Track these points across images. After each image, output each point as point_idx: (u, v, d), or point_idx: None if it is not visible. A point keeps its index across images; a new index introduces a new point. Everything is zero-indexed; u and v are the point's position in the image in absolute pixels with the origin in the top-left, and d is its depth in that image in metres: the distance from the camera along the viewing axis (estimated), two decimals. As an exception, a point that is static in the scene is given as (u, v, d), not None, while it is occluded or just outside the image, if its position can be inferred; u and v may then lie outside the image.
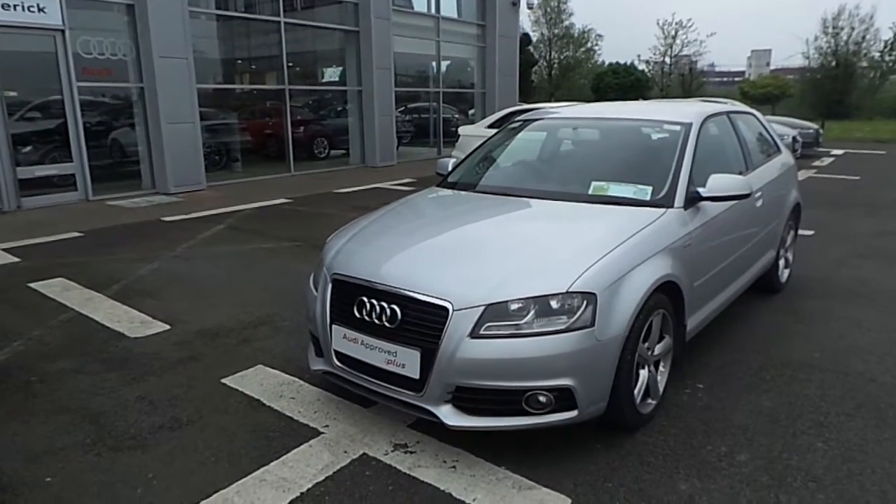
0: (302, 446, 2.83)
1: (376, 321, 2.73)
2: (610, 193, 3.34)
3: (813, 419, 3.02)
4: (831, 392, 3.29)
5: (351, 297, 2.86)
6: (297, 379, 3.50)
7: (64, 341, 4.09)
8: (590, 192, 3.38)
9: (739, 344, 3.93)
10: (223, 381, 3.49)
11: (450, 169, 4.23)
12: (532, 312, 2.53)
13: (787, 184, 4.79)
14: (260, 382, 3.47)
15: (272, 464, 2.70)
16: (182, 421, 3.07)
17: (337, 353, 2.92)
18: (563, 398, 2.55)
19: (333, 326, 2.92)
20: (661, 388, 3.05)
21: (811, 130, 15.51)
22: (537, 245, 2.90)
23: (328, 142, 14.25)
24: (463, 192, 3.81)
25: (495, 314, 2.54)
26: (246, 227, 7.69)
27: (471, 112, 17.56)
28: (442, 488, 2.52)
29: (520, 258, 2.77)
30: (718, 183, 3.27)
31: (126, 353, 3.89)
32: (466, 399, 2.60)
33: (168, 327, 4.30)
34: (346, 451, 2.78)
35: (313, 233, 7.21)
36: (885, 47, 35.87)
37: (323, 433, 2.94)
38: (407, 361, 2.64)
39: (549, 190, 3.52)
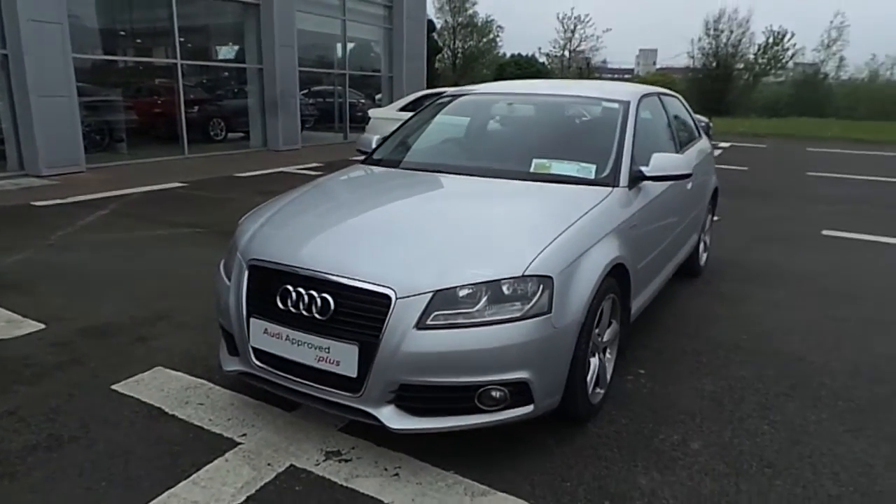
0: (216, 461, 2.42)
1: (304, 312, 2.37)
2: (553, 171, 3.14)
3: (755, 401, 2.99)
4: (766, 373, 3.29)
5: (272, 285, 2.48)
6: (205, 381, 3.05)
7: None
8: (531, 169, 3.17)
9: (671, 328, 3.89)
10: (114, 387, 2.98)
11: (374, 146, 3.90)
12: (484, 299, 2.27)
13: (708, 168, 4.85)
14: (160, 387, 2.99)
15: (180, 485, 2.28)
16: (63, 439, 2.56)
17: (256, 350, 2.53)
18: (519, 392, 2.32)
19: (251, 320, 2.52)
20: (608, 375, 2.90)
21: (703, 123, 16.31)
22: (484, 225, 2.64)
23: (225, 123, 13.33)
24: (393, 170, 3.49)
25: (444, 302, 2.25)
26: (135, 213, 6.92)
27: (377, 97, 17.11)
28: (386, 501, 2.21)
29: (467, 239, 2.50)
30: (661, 162, 3.15)
31: (-11, 358, 3.26)
32: (411, 398, 2.30)
33: (42, 326, 3.67)
34: (269, 464, 2.41)
35: (214, 218, 6.61)
36: (759, 50, 38.81)
37: (240, 444, 2.54)
38: (342, 358, 2.30)
39: (488, 167, 3.27)
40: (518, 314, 2.27)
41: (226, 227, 6.20)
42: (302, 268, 2.42)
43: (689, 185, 3.98)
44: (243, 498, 2.21)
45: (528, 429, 2.60)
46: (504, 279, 2.29)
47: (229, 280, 2.69)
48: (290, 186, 3.47)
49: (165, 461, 2.42)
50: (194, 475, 2.33)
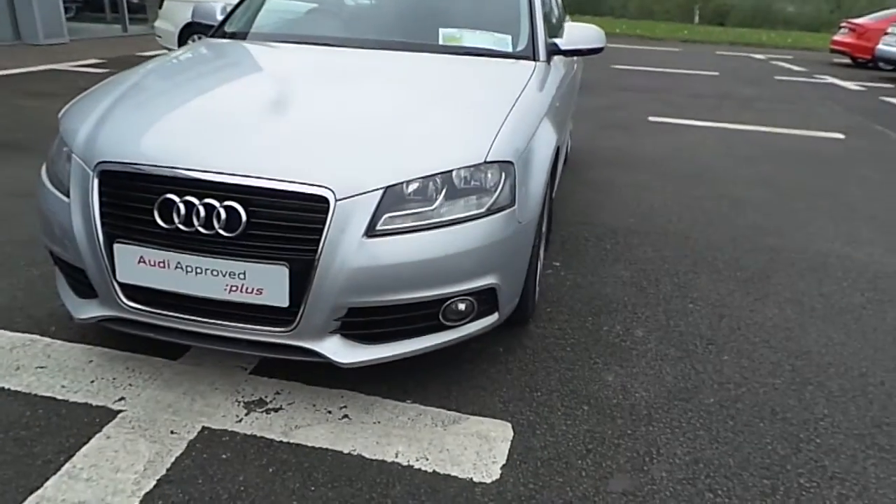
0: (93, 441, 1.78)
1: (202, 229, 1.75)
2: (465, 44, 2.69)
3: (670, 282, 3.00)
4: (666, 253, 3.33)
5: (143, 196, 1.79)
6: (37, 337, 2.26)
7: None
8: (440, 41, 2.68)
9: (563, 218, 3.78)
10: None
11: (220, 16, 3.07)
12: (442, 194, 1.84)
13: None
14: (-31, 353, 2.16)
15: (49, 483, 1.63)
16: None
17: (126, 287, 1.86)
18: (485, 301, 1.98)
19: (116, 247, 1.82)
20: (540, 271, 2.68)
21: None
22: (418, 106, 2.15)
23: (-46, 9, 10.36)
24: (267, 44, 2.75)
25: (395, 201, 1.79)
26: None
27: (157, -20, 14.49)
28: (346, 451, 1.79)
29: (405, 123, 2.01)
30: (576, 34, 2.86)
31: None
32: (362, 324, 1.85)
33: None
34: (173, 432, 1.83)
35: (-25, 126, 5.09)
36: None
37: (122, 412, 1.90)
38: (266, 284, 1.76)
39: (390, 39, 2.70)
40: (482, 210, 1.88)
41: None
42: (192, 169, 1.77)
43: (575, 65, 3.78)
44: (152, 483, 1.64)
45: (467, 341, 2.28)
46: (464, 167, 1.87)
47: (66, 195, 1.92)
48: (73, 88, 2.60)
49: (14, 454, 1.72)
50: (67, 466, 1.69)
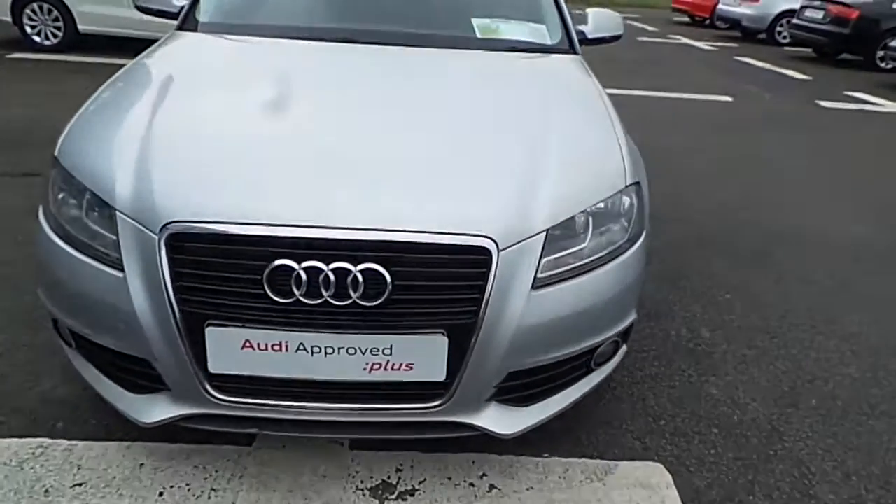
0: (214, 583, 1.39)
1: (333, 301, 1.38)
2: (504, 36, 2.41)
3: (694, 272, 3.00)
4: (670, 238, 3.33)
5: (247, 265, 1.38)
6: (48, 440, 1.75)
7: None
8: (478, 34, 2.38)
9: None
10: None
11: (177, 1, 2.51)
12: (590, 229, 1.62)
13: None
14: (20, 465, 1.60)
15: None
16: None
17: (220, 378, 1.45)
18: (624, 337, 1.81)
19: (210, 331, 1.40)
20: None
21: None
22: (517, 125, 1.83)
23: None
24: (282, 41, 2.25)
25: (550, 241, 1.54)
26: None
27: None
28: (521, 533, 1.57)
29: (526, 149, 1.71)
30: (601, 20, 2.68)
31: None
32: (517, 387, 1.60)
33: None
34: (308, 548, 1.48)
35: None
36: None
37: (228, 532, 1.51)
38: (417, 358, 1.45)
39: (424, 33, 2.33)
40: (623, 241, 1.69)
41: None
42: (316, 226, 1.38)
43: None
44: None
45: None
46: (612, 196, 1.66)
47: (113, 267, 1.44)
48: None
49: None
50: None
